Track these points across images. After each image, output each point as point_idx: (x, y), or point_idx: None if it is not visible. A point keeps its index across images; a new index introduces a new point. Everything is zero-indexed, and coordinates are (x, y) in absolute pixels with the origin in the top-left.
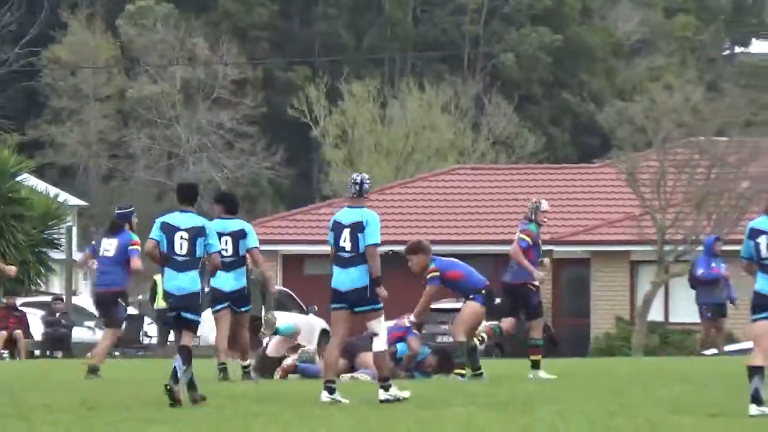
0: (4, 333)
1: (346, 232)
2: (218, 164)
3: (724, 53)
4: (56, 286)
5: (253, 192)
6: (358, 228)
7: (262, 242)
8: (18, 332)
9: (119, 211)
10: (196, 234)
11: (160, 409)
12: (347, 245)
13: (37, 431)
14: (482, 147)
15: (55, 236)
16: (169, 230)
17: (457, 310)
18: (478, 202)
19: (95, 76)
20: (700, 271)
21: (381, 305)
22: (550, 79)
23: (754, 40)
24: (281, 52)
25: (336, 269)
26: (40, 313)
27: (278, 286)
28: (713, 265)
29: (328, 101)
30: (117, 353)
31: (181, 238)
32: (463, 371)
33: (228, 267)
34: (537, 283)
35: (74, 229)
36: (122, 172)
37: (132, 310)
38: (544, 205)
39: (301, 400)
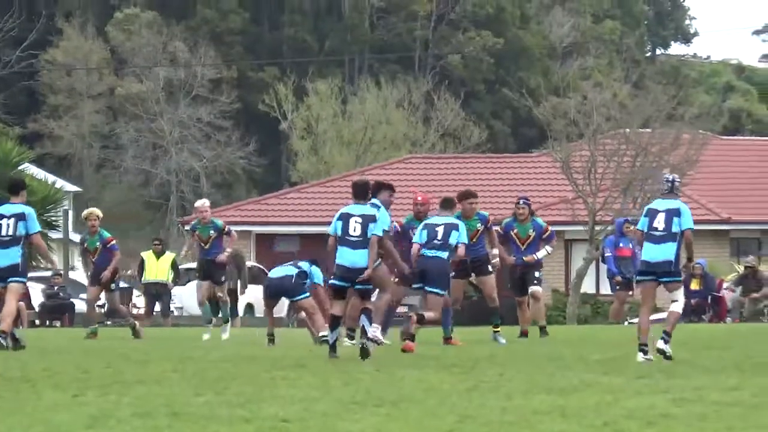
0: None
1: (661, 216)
2: (197, 154)
3: (647, 54)
4: (54, 262)
5: (229, 179)
6: (674, 213)
7: (238, 223)
8: (21, 304)
9: None
10: (368, 220)
11: (146, 370)
12: (660, 225)
13: (40, 391)
14: (432, 138)
15: (53, 218)
16: (345, 217)
17: None
18: (428, 187)
19: (88, 76)
20: (607, 254)
21: (681, 277)
22: (493, 78)
23: (672, 42)
24: (253, 54)
25: (647, 245)
26: (41, 286)
27: (251, 262)
28: (621, 244)
29: (295, 98)
30: (108, 322)
31: (355, 222)
32: None
33: None
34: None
35: (70, 212)
36: (112, 161)
37: (122, 284)
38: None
39: (276, 362)
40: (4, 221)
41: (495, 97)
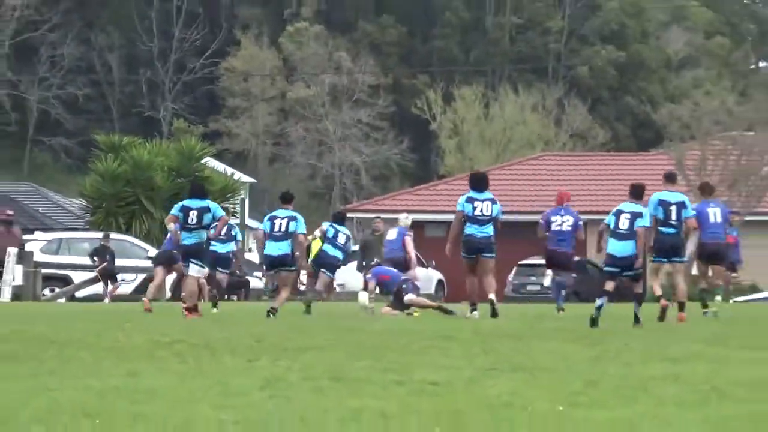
0: None
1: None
2: (358, 151)
3: (752, 67)
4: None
5: (385, 172)
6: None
7: (393, 211)
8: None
9: None
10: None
11: (313, 340)
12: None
13: (219, 357)
14: (563, 138)
15: (231, 206)
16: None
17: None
18: (560, 181)
19: (262, 81)
20: None
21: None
22: (616, 86)
23: None
24: (407, 63)
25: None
26: None
27: None
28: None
29: (444, 102)
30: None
31: (280, 222)
32: None
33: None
34: None
35: (246, 201)
36: (283, 157)
37: None
38: None
39: (426, 335)
40: (277, 221)
41: (618, 102)
